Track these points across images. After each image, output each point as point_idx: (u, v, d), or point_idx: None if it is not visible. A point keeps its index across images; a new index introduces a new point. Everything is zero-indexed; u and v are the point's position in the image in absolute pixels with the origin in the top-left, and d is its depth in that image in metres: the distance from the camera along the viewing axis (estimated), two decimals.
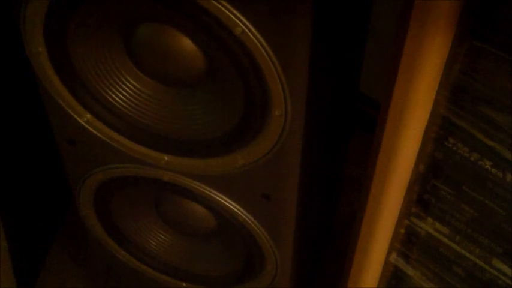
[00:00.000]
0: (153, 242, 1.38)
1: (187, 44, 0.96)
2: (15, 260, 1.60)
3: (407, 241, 1.07)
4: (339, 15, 1.04)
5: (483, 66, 0.80)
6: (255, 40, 0.87)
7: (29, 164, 1.59)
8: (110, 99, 1.07)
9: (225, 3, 0.85)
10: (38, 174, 1.64)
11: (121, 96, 1.07)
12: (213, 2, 0.85)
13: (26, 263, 1.68)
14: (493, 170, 0.88)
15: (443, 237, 1.01)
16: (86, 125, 1.12)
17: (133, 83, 1.06)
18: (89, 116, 1.10)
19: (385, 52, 1.01)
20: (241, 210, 1.16)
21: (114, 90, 1.07)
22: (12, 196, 1.54)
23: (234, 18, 0.85)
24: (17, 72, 1.28)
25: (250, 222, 1.17)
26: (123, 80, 1.06)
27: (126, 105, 1.08)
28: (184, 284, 1.42)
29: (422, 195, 0.99)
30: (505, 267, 0.97)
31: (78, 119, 1.11)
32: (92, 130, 1.12)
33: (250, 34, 0.87)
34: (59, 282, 1.76)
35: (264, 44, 0.87)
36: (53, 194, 1.71)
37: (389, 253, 1.11)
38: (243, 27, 0.86)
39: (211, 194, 1.15)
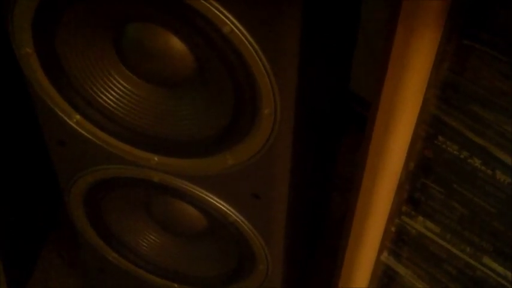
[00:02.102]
0: (144, 243, 1.38)
1: (176, 43, 0.96)
2: (6, 261, 1.59)
3: (398, 240, 1.07)
4: (329, 13, 1.04)
5: (472, 64, 0.80)
6: (244, 39, 0.87)
7: (20, 164, 1.58)
8: (100, 100, 1.07)
9: (213, 2, 0.85)
10: (29, 175, 1.64)
11: (111, 97, 1.07)
12: (202, 1, 0.85)
13: (17, 264, 1.68)
14: (483, 168, 0.88)
15: (434, 236, 1.01)
16: (76, 126, 1.12)
17: (123, 83, 1.06)
18: (78, 117, 1.10)
19: (375, 51, 1.01)
20: (232, 210, 1.16)
21: (104, 91, 1.06)
22: (3, 197, 1.53)
23: (223, 17, 0.85)
24: (6, 73, 1.27)
25: (240, 222, 1.17)
26: (113, 80, 1.05)
27: (116, 106, 1.07)
28: (175, 285, 1.42)
29: (413, 194, 0.99)
30: (495, 265, 0.97)
31: (67, 120, 1.11)
32: (82, 131, 1.12)
33: (238, 33, 0.86)
34: (50, 283, 1.76)
35: (253, 42, 0.87)
36: (45, 194, 1.71)
37: (380, 252, 1.11)
38: (232, 26, 0.86)
39: (201, 194, 1.15)
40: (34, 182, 1.66)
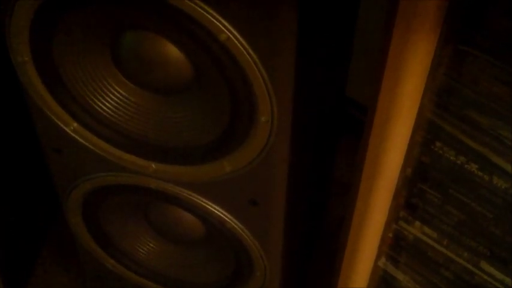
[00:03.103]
0: (141, 250, 1.38)
1: (173, 51, 0.96)
2: (3, 265, 1.59)
3: (395, 245, 1.07)
4: (325, 19, 1.05)
5: (468, 69, 0.80)
6: (240, 46, 0.87)
7: (18, 168, 1.58)
8: (97, 107, 1.07)
9: (210, 10, 0.85)
10: (28, 179, 1.63)
11: (108, 105, 1.07)
12: (198, 8, 0.85)
13: (14, 270, 1.68)
14: (480, 173, 0.88)
15: (432, 241, 1.02)
16: (73, 134, 1.12)
17: (120, 91, 1.06)
18: (75, 125, 1.10)
19: (372, 56, 1.01)
20: (230, 216, 1.16)
21: (101, 99, 1.06)
22: (2, 200, 1.53)
23: (219, 25, 0.85)
24: (3, 80, 1.27)
25: (238, 228, 1.17)
26: (110, 88, 1.05)
27: (113, 114, 1.07)
28: None
29: (410, 199, 0.99)
30: (493, 270, 0.98)
31: (64, 128, 1.11)
32: (79, 139, 1.12)
33: (235, 40, 0.86)
34: None
35: (250, 50, 0.87)
36: (43, 199, 1.70)
37: (378, 257, 1.11)
38: (228, 33, 0.86)
39: (199, 201, 1.15)
40: (32, 186, 1.66)
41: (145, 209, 1.31)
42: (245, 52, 0.87)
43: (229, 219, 1.16)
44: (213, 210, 1.16)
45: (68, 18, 0.95)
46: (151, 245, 1.37)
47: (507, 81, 0.78)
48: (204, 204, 1.15)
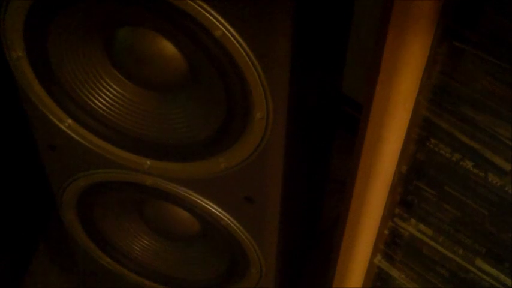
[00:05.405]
0: (136, 247, 1.38)
1: (168, 47, 0.96)
2: None
3: (391, 242, 1.07)
4: (321, 16, 1.04)
5: (463, 66, 0.80)
6: (236, 42, 0.87)
7: (12, 167, 1.58)
8: (92, 104, 1.07)
9: (205, 6, 0.85)
10: (21, 178, 1.63)
11: (103, 101, 1.07)
12: (193, 4, 0.85)
13: (9, 268, 1.68)
14: (475, 171, 0.88)
15: (427, 238, 1.01)
16: (68, 131, 1.12)
17: (115, 87, 1.05)
18: (70, 121, 1.10)
19: (367, 54, 1.01)
20: (225, 213, 1.16)
21: (96, 95, 1.06)
22: None
23: (214, 21, 0.85)
24: None
25: (233, 225, 1.17)
26: (105, 84, 1.05)
27: (108, 110, 1.07)
28: None
29: (405, 197, 0.99)
30: (488, 267, 0.97)
31: (59, 124, 1.11)
32: (74, 135, 1.12)
33: (230, 36, 0.86)
34: (42, 287, 1.75)
35: (245, 46, 0.87)
36: (37, 198, 1.70)
37: (373, 255, 1.11)
38: (223, 29, 0.86)
39: (194, 198, 1.15)
40: (26, 185, 1.66)
41: (140, 206, 1.31)
42: (240, 48, 0.87)
43: (225, 216, 1.16)
44: (208, 207, 1.16)
45: (63, 15, 0.95)
46: (146, 243, 1.37)
47: (503, 78, 0.78)
48: (199, 201, 1.15)
